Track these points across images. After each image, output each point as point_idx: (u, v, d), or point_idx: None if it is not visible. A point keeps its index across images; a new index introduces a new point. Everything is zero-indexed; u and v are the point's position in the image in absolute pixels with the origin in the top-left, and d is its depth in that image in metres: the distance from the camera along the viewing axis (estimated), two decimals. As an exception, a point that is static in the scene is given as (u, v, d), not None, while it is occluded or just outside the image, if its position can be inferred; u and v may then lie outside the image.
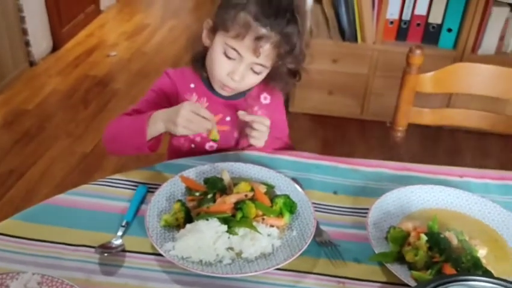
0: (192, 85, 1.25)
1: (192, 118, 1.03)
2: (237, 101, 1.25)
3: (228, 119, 1.26)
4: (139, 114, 1.17)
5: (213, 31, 1.15)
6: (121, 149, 1.12)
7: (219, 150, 1.25)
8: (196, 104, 1.10)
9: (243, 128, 1.20)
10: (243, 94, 1.25)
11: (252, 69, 1.13)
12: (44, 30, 3.23)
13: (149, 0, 4.42)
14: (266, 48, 1.09)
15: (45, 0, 3.17)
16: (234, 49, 1.10)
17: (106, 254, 0.90)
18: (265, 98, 1.29)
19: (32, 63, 3.14)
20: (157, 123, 1.07)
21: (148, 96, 1.25)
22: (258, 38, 1.07)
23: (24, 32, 3.02)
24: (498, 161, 2.51)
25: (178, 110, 1.03)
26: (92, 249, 0.91)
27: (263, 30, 1.07)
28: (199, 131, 1.06)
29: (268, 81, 1.22)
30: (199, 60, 1.22)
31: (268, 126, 1.14)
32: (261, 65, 1.13)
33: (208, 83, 1.23)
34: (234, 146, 1.29)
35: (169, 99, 1.24)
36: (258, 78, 1.17)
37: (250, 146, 1.20)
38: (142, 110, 1.19)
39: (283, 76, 1.20)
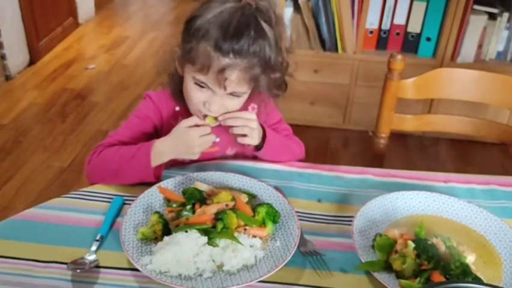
0: (177, 108, 1.19)
1: (202, 131, 1.03)
2: None
3: (217, 140, 1.21)
4: (125, 144, 1.12)
5: (181, 62, 1.09)
6: (116, 182, 1.07)
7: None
8: (191, 120, 1.04)
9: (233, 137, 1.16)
10: None
11: (228, 96, 1.06)
12: (21, 43, 3.17)
13: (128, 13, 4.40)
14: (234, 77, 1.01)
15: (21, 14, 3.12)
16: (203, 82, 1.04)
17: (78, 271, 0.85)
18: (252, 109, 1.22)
19: (8, 77, 3.07)
20: (165, 156, 1.05)
21: (131, 123, 1.18)
22: (221, 71, 0.99)
23: (0, 45, 2.96)
24: (481, 167, 2.52)
25: (185, 135, 1.02)
26: (64, 266, 0.86)
27: (226, 61, 0.99)
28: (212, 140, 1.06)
29: (254, 94, 1.14)
30: (179, 90, 1.14)
31: (254, 119, 1.09)
32: (236, 92, 1.05)
33: None
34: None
35: (155, 125, 1.19)
36: (240, 101, 1.10)
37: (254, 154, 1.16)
38: (125, 139, 1.14)
39: (268, 89, 1.12)
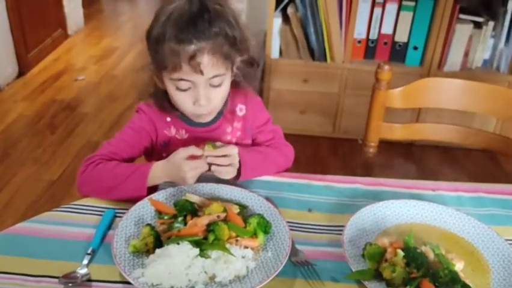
0: (168, 119, 1.20)
1: (195, 165, 1.03)
2: (216, 124, 1.22)
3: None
4: (119, 156, 1.13)
5: (158, 74, 1.12)
6: (107, 198, 1.07)
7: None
8: (188, 149, 1.04)
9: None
10: (220, 114, 1.22)
11: (211, 85, 1.08)
12: (10, 55, 3.16)
13: (117, 24, 4.40)
14: (206, 60, 1.03)
15: (10, 25, 3.12)
16: (181, 80, 1.06)
17: (70, 285, 0.85)
18: (240, 110, 1.25)
19: (-4, 89, 3.06)
20: (160, 180, 1.08)
21: (125, 135, 1.18)
22: (192, 58, 1.02)
23: (-12, 57, 2.96)
24: (469, 174, 2.55)
25: (179, 167, 1.03)
26: (56, 280, 0.86)
27: (192, 47, 1.02)
28: (204, 170, 1.05)
29: (235, 86, 1.18)
30: (165, 102, 1.16)
31: (235, 154, 1.08)
32: (216, 76, 1.07)
33: (183, 115, 1.18)
34: None
35: (150, 136, 1.20)
36: (224, 90, 1.13)
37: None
38: (119, 152, 1.14)
39: (244, 71, 1.16)
